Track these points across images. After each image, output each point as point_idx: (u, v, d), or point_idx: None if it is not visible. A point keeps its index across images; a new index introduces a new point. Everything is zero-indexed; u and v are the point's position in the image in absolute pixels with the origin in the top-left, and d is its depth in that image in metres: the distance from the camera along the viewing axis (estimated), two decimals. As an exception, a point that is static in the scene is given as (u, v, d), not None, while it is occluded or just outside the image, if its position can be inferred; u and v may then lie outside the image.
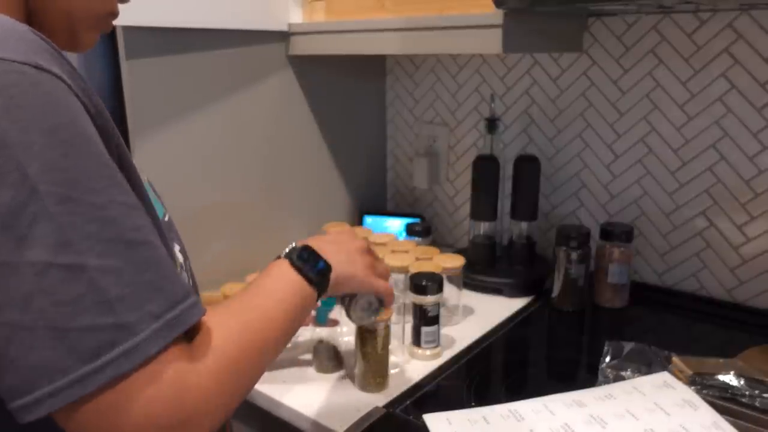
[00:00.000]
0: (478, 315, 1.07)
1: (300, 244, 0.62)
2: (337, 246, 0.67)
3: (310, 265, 0.60)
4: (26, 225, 0.40)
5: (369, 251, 0.71)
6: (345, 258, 0.66)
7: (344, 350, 0.91)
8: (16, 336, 0.40)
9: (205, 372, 0.45)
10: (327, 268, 0.62)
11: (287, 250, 0.61)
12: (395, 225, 1.41)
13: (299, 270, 0.59)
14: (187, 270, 0.63)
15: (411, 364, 0.90)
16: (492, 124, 1.18)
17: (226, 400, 0.47)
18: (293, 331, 0.58)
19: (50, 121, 0.42)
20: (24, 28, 0.44)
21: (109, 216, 0.43)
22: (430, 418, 0.74)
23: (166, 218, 0.62)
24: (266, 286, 0.58)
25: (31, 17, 0.52)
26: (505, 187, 1.22)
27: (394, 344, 0.88)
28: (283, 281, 0.58)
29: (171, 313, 0.43)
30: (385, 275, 0.72)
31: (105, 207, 0.43)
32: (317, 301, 0.61)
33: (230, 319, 0.51)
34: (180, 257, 0.60)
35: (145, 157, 1.01)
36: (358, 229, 1.11)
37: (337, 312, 0.83)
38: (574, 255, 1.06)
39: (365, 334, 0.81)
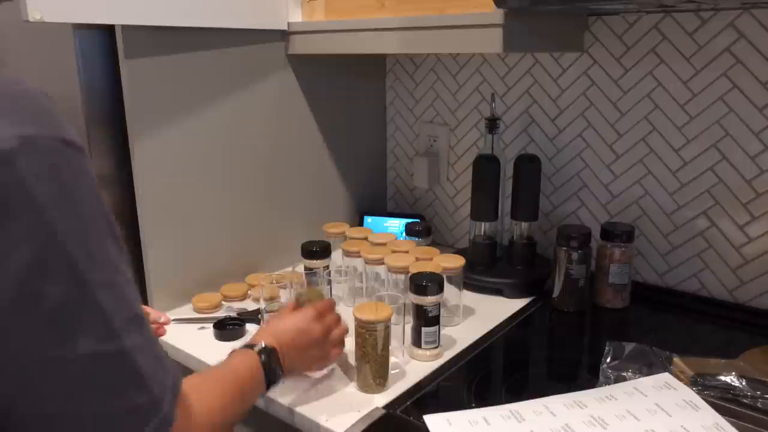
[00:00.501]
0: (478, 315, 1.07)
1: (270, 345, 0.73)
2: (296, 343, 0.77)
3: (273, 368, 0.72)
4: (77, 319, 0.41)
5: (320, 341, 0.80)
6: (301, 357, 0.78)
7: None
8: (62, 426, 0.41)
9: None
10: (281, 376, 0.74)
11: (259, 347, 0.72)
12: (395, 225, 1.41)
13: (264, 368, 0.70)
14: None
15: (411, 365, 0.90)
16: (492, 123, 1.18)
17: None
18: (248, 404, 0.69)
19: (88, 204, 0.43)
20: (37, 90, 0.45)
21: (127, 295, 0.45)
22: (431, 419, 0.74)
23: None
24: (237, 367, 0.68)
25: None
26: (506, 187, 1.21)
27: (394, 344, 0.87)
28: (251, 370, 0.69)
29: (171, 377, 0.48)
30: (341, 338, 0.85)
31: (124, 286, 0.45)
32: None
33: (206, 393, 0.58)
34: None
35: (144, 156, 1.00)
36: (358, 231, 1.15)
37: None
38: (574, 255, 1.06)
39: (365, 335, 0.81)
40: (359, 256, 1.06)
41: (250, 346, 0.72)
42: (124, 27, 0.95)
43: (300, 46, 1.19)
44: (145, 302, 1.07)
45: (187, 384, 0.53)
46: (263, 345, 0.72)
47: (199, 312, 1.07)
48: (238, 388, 0.65)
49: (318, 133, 1.32)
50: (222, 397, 0.60)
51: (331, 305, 0.85)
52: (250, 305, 1.10)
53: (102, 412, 0.42)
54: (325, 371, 0.87)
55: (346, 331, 0.86)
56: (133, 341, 0.44)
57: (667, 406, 0.74)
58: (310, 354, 0.80)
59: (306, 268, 1.06)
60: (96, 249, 0.42)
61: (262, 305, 0.98)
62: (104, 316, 0.42)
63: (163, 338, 0.99)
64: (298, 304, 0.85)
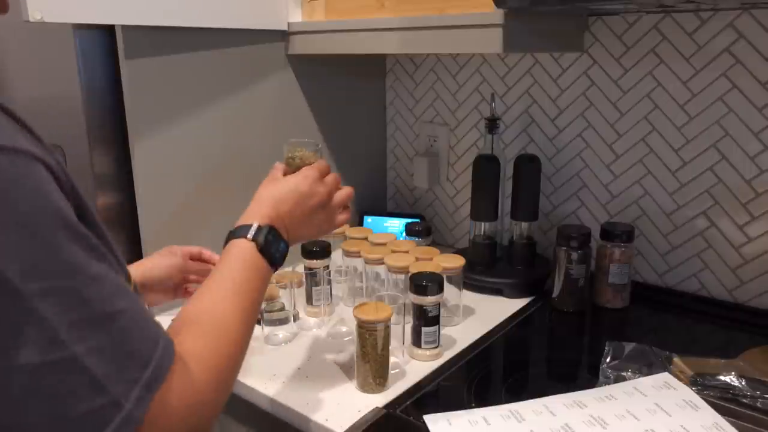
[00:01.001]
0: (478, 315, 1.07)
1: (265, 223, 0.66)
2: (298, 211, 0.71)
3: (275, 248, 0.65)
4: (14, 332, 0.40)
5: (326, 204, 0.74)
6: (305, 224, 0.72)
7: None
8: None
9: (206, 392, 0.51)
10: (287, 248, 0.68)
11: (254, 231, 0.65)
12: (395, 225, 1.41)
13: (264, 253, 0.64)
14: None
15: (411, 365, 0.90)
16: (492, 123, 1.18)
17: (221, 398, 0.53)
18: (259, 306, 0.63)
19: (24, 212, 0.41)
20: None
21: (86, 297, 0.44)
22: (431, 419, 0.74)
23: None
24: (236, 277, 0.62)
25: None
26: (506, 187, 1.22)
27: (394, 344, 0.87)
28: (250, 267, 0.63)
29: (147, 371, 0.46)
30: (345, 201, 0.78)
31: (81, 288, 0.44)
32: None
33: (202, 336, 0.55)
34: (129, 273, 0.61)
35: (144, 156, 1.00)
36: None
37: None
38: (574, 255, 1.06)
39: (365, 335, 0.81)
40: (359, 256, 1.06)
41: (244, 229, 0.65)
42: (124, 27, 0.95)
43: (300, 46, 1.19)
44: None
45: (183, 348, 0.51)
46: (257, 225, 0.65)
47: None
48: (242, 313, 0.59)
49: (318, 133, 1.32)
50: (230, 342, 0.56)
51: (327, 166, 0.78)
52: (250, 305, 1.10)
53: (56, 419, 0.42)
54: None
55: (351, 193, 0.79)
56: (88, 345, 0.43)
57: (667, 405, 0.74)
58: (316, 219, 0.73)
59: (306, 268, 1.06)
60: (37, 256, 0.41)
61: (262, 305, 0.98)
62: (45, 325, 0.41)
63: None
64: (292, 167, 0.78)
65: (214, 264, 0.81)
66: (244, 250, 0.64)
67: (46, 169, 0.45)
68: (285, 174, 0.76)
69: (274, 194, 0.70)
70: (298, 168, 0.76)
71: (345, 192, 0.78)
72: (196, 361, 0.51)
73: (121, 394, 0.44)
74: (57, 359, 0.42)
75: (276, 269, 0.66)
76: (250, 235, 0.64)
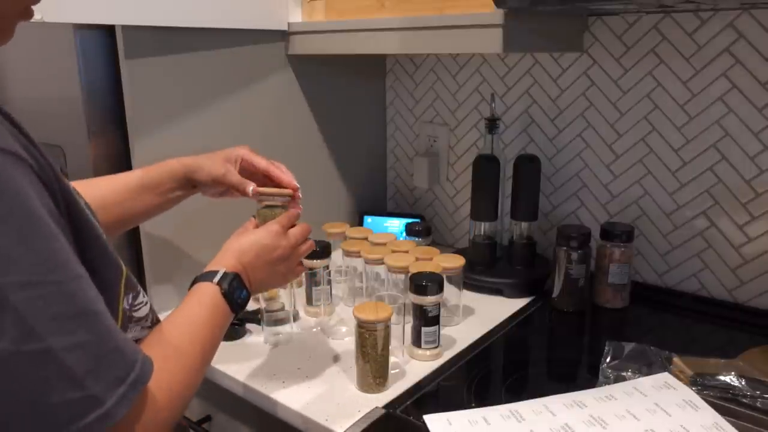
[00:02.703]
0: (478, 315, 1.07)
1: (230, 270, 0.71)
2: (260, 262, 0.75)
3: (237, 294, 0.70)
4: None
5: (288, 256, 0.78)
6: (268, 274, 0.76)
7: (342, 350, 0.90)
8: None
9: (162, 410, 0.53)
10: (248, 296, 0.73)
11: (219, 276, 0.69)
12: (395, 225, 1.41)
13: (227, 298, 0.68)
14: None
15: (411, 365, 0.90)
16: (492, 123, 1.18)
17: (173, 419, 0.56)
18: (217, 343, 0.68)
19: (3, 210, 0.43)
20: None
21: (69, 291, 0.46)
22: (431, 419, 0.74)
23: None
24: (200, 314, 0.66)
25: None
26: (506, 187, 1.22)
27: (394, 344, 0.87)
28: (213, 308, 0.67)
29: (133, 374, 0.49)
30: (306, 253, 0.82)
31: (64, 283, 0.45)
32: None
33: (171, 358, 0.58)
34: (123, 266, 0.62)
35: (144, 156, 1.00)
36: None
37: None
38: (574, 255, 1.06)
39: (365, 334, 0.81)
40: (359, 256, 1.06)
41: (210, 274, 0.70)
42: (125, 27, 0.95)
43: (300, 46, 1.19)
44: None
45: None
46: (223, 272, 0.70)
47: None
48: (201, 346, 0.63)
49: (318, 133, 1.32)
50: (188, 370, 0.60)
51: (295, 217, 0.81)
52: (250, 305, 1.10)
53: (28, 406, 0.43)
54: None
55: (313, 245, 0.83)
56: (66, 341, 0.44)
57: (667, 405, 0.74)
58: (278, 270, 0.77)
59: (306, 268, 1.06)
60: (13, 250, 0.43)
61: (262, 305, 0.98)
62: (19, 316, 0.42)
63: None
64: (259, 220, 0.81)
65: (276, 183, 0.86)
66: (208, 292, 0.68)
67: (31, 170, 0.46)
68: (256, 227, 0.80)
69: (240, 246, 0.75)
70: (265, 221, 0.80)
71: (307, 245, 0.82)
72: (156, 382, 0.53)
73: (102, 391, 0.46)
74: (32, 350, 0.43)
75: (236, 315, 0.71)
76: (215, 280, 0.69)
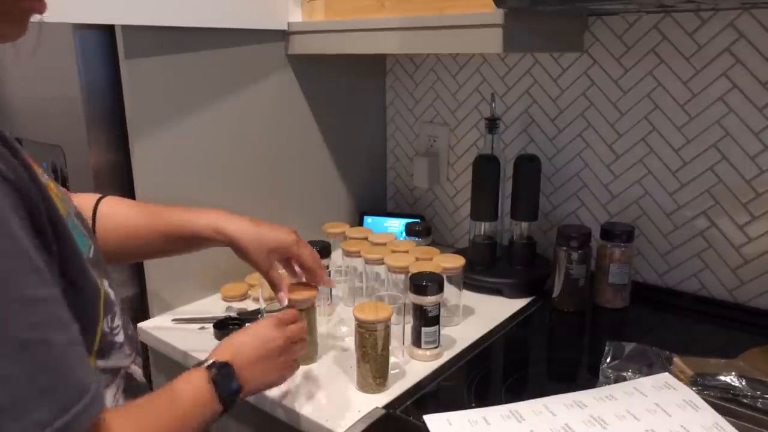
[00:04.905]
0: (478, 315, 1.07)
1: (224, 360, 0.66)
2: (255, 355, 0.70)
3: (226, 382, 0.64)
4: None
5: (286, 348, 0.74)
6: (263, 371, 0.71)
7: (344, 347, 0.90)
8: None
9: None
10: (239, 389, 0.66)
11: (209, 362, 0.65)
12: (395, 225, 1.41)
13: (215, 385, 0.63)
14: (119, 303, 0.62)
15: (411, 365, 0.90)
16: (492, 123, 1.18)
17: None
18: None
19: None
20: None
21: (4, 317, 0.41)
22: (431, 419, 0.74)
23: (91, 254, 0.59)
24: (180, 392, 0.60)
25: None
26: (506, 187, 1.22)
27: (394, 344, 0.87)
28: (196, 391, 0.61)
29: (62, 418, 0.42)
30: (300, 351, 0.78)
31: (2, 307, 0.41)
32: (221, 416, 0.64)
33: (133, 424, 0.52)
34: (111, 292, 0.59)
35: (144, 156, 1.00)
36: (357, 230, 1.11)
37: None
38: (574, 255, 1.06)
39: (365, 335, 0.81)
40: (359, 256, 1.06)
41: (203, 362, 0.66)
42: (124, 27, 0.95)
43: (300, 46, 1.19)
44: (144, 303, 1.07)
45: (114, 415, 0.49)
46: (213, 360, 0.66)
47: (227, 300, 1.12)
48: (176, 416, 0.58)
49: (318, 133, 1.32)
50: (154, 429, 0.55)
51: (293, 315, 0.79)
52: (250, 305, 1.10)
53: None
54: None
55: (306, 342, 0.81)
56: None
57: (667, 406, 0.74)
58: (276, 363, 0.74)
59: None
60: None
61: (262, 305, 0.98)
62: None
63: (164, 337, 0.99)
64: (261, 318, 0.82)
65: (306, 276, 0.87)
66: (196, 375, 0.63)
67: (13, 189, 0.44)
68: None
69: (239, 338, 0.72)
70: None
71: (303, 343, 0.79)
72: None
73: (27, 428, 0.41)
74: None
75: (225, 410, 0.64)
76: (205, 365, 0.65)
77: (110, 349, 0.58)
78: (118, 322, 0.59)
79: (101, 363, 0.58)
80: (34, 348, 0.42)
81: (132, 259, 0.85)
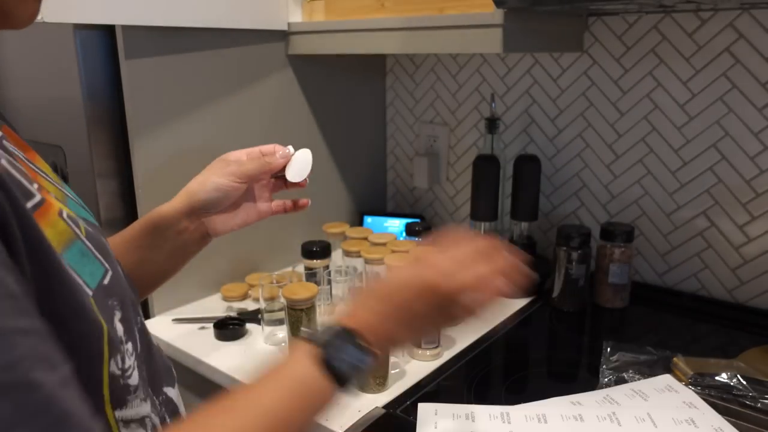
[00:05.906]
0: (478, 315, 1.07)
1: (347, 323, 0.50)
2: (405, 314, 0.53)
3: (341, 358, 0.50)
4: None
5: (452, 303, 0.54)
6: (416, 322, 0.54)
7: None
8: None
9: None
10: (369, 364, 0.50)
11: (321, 330, 0.50)
12: (395, 225, 1.41)
13: (330, 367, 0.50)
14: (134, 338, 0.51)
15: (411, 365, 0.90)
16: (492, 123, 1.18)
17: None
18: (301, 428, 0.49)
19: None
20: None
21: None
22: (423, 407, 0.75)
23: (106, 281, 0.47)
24: (282, 388, 0.50)
25: None
26: (506, 187, 1.22)
27: (394, 344, 0.87)
28: (294, 395, 0.51)
29: None
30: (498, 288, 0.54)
31: None
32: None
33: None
34: (120, 328, 0.48)
35: (144, 156, 1.00)
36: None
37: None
38: (574, 255, 1.06)
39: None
40: (359, 256, 1.06)
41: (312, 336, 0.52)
42: (125, 27, 0.95)
43: (300, 46, 1.19)
44: (146, 303, 1.07)
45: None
46: (334, 330, 0.51)
47: (227, 300, 1.13)
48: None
49: (318, 133, 1.32)
50: None
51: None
52: (250, 305, 1.11)
53: None
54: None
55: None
56: None
57: (667, 407, 0.74)
58: (432, 316, 0.54)
59: (306, 268, 1.06)
60: None
61: (262, 305, 0.98)
62: None
63: (164, 337, 0.99)
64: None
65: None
66: (293, 367, 0.52)
67: None
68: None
69: (394, 282, 0.54)
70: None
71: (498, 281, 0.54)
72: None
73: None
74: None
75: (344, 386, 0.52)
76: (313, 337, 0.50)
77: (125, 395, 0.48)
78: (129, 362, 0.49)
79: (119, 414, 0.48)
80: (5, 391, 0.31)
81: (145, 281, 0.73)
